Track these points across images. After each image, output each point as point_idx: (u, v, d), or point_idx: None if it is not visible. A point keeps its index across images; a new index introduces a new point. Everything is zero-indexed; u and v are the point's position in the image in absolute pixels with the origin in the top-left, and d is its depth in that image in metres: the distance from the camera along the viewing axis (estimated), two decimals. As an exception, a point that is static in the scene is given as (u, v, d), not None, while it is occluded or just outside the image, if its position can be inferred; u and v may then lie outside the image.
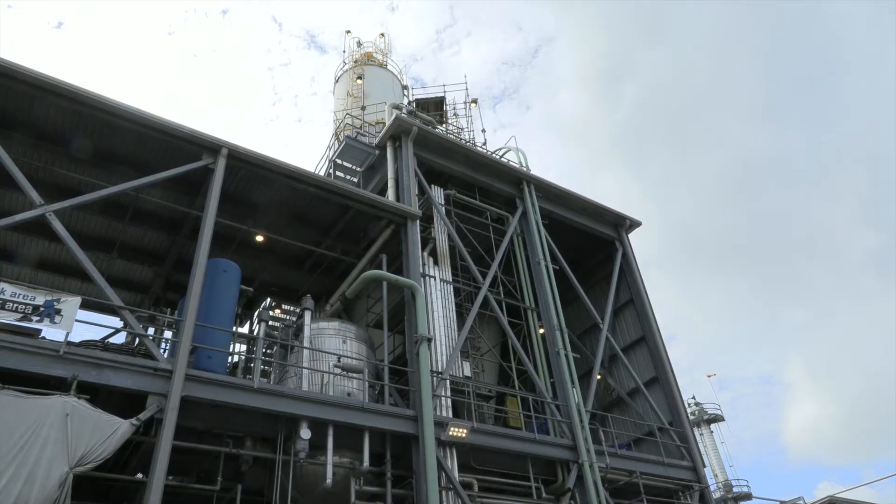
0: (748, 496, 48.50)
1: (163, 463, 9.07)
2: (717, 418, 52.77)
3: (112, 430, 8.79)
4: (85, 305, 10.77)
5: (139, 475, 11.19)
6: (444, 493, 11.55)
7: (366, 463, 11.32)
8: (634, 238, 20.74)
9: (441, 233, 15.60)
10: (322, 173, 18.90)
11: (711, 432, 52.12)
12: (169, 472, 9.42)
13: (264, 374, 14.58)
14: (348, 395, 12.39)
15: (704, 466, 16.70)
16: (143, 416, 9.28)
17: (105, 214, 14.48)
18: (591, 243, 20.41)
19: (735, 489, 48.39)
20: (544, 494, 13.40)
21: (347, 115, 21.40)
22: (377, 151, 17.31)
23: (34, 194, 10.46)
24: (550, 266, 17.06)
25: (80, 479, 8.75)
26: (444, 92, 26.16)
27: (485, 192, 17.76)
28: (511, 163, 18.91)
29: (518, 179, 18.25)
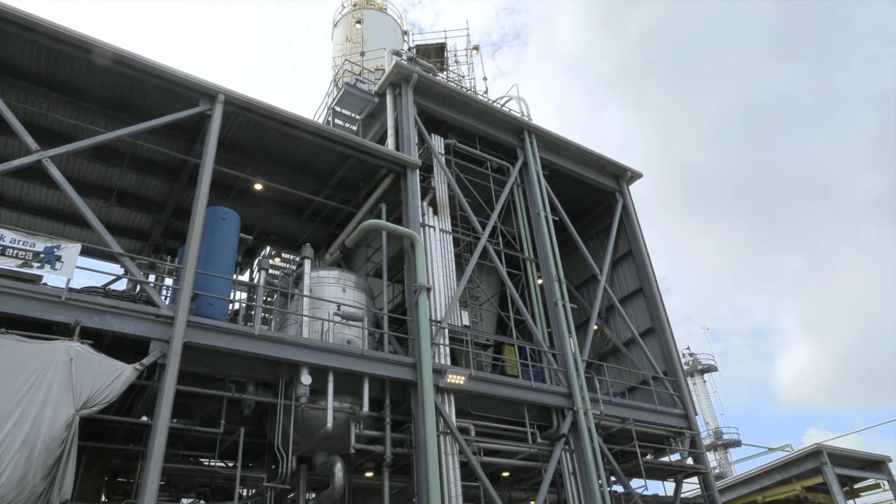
0: (737, 443, 49.93)
1: (167, 406, 9.27)
2: (710, 368, 53.83)
3: (116, 375, 8.95)
4: (85, 252, 10.84)
5: (144, 418, 11.46)
6: (441, 437, 11.86)
7: (365, 408, 11.59)
8: (634, 184, 20.66)
9: (441, 182, 15.52)
10: (321, 121, 18.66)
11: (704, 382, 53.25)
12: (173, 415, 9.63)
13: (265, 321, 14.75)
14: (348, 342, 12.57)
15: (696, 414, 17.10)
16: (147, 361, 9.43)
17: (102, 161, 14.36)
18: (592, 195, 20.33)
19: (725, 436, 49.76)
20: (539, 439, 13.77)
21: (346, 62, 20.99)
22: (377, 99, 17.05)
23: (30, 140, 10.35)
24: (550, 217, 17.04)
25: (87, 421, 8.97)
26: (445, 38, 25.59)
27: (485, 141, 17.57)
28: (512, 112, 18.64)
29: (519, 129, 18.04)
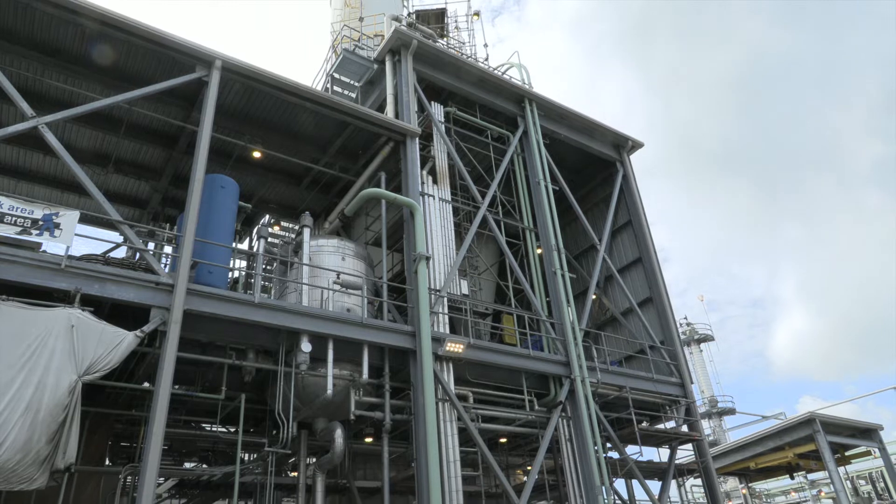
0: (732, 411, 50.64)
1: (168, 373, 9.36)
2: (706, 338, 54.29)
3: (117, 342, 9.02)
4: (84, 220, 10.82)
5: (146, 384, 11.58)
6: (440, 404, 12.01)
7: (365, 375, 11.71)
8: (635, 153, 20.54)
9: (440, 151, 15.42)
10: (319, 88, 18.43)
11: (701, 351, 53.77)
12: (174, 381, 9.74)
13: (264, 289, 14.81)
14: (348, 310, 12.64)
15: (692, 383, 17.29)
16: (147, 328, 9.49)
17: (99, 128, 14.24)
18: (592, 164, 20.23)
19: (720, 405, 50.43)
20: (537, 407, 13.95)
21: (345, 27, 20.66)
22: (376, 66, 16.82)
23: (25, 106, 10.24)
24: (550, 186, 16.98)
25: (89, 387, 9.06)
26: (446, 3, 25.13)
27: (485, 110, 17.41)
28: (513, 79, 18.42)
29: (520, 97, 17.85)
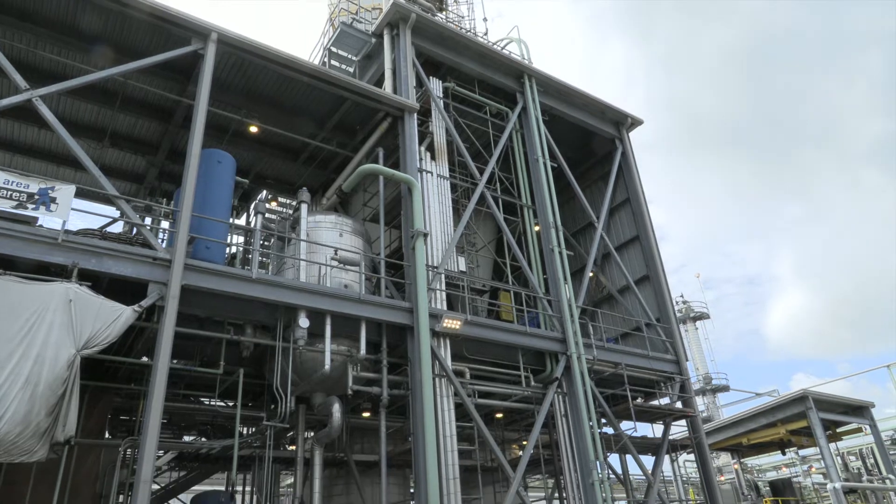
0: (725, 388, 51.16)
1: (166, 348, 9.40)
2: (702, 316, 54.59)
3: (115, 316, 9.04)
4: (80, 194, 10.75)
5: (144, 359, 11.64)
6: (437, 379, 12.11)
7: (362, 351, 11.78)
8: (634, 130, 20.43)
9: (439, 127, 15.31)
10: (317, 62, 18.23)
11: (696, 329, 54.10)
12: (173, 356, 9.78)
13: (262, 265, 14.81)
14: (345, 286, 12.66)
15: (687, 360, 17.44)
16: (145, 303, 9.51)
17: (94, 101, 14.09)
18: (591, 141, 20.13)
19: (714, 381, 50.92)
20: (533, 383, 14.07)
21: None
22: (374, 39, 16.62)
23: (18, 78, 10.12)
24: (548, 163, 16.91)
25: (88, 361, 9.11)
26: (445, -24, 24.72)
27: (484, 85, 17.25)
28: (513, 55, 18.23)
29: (519, 73, 17.68)
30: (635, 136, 20.52)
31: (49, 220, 9.59)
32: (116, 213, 13.63)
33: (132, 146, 15.72)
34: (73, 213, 9.64)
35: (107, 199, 15.48)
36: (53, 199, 9.45)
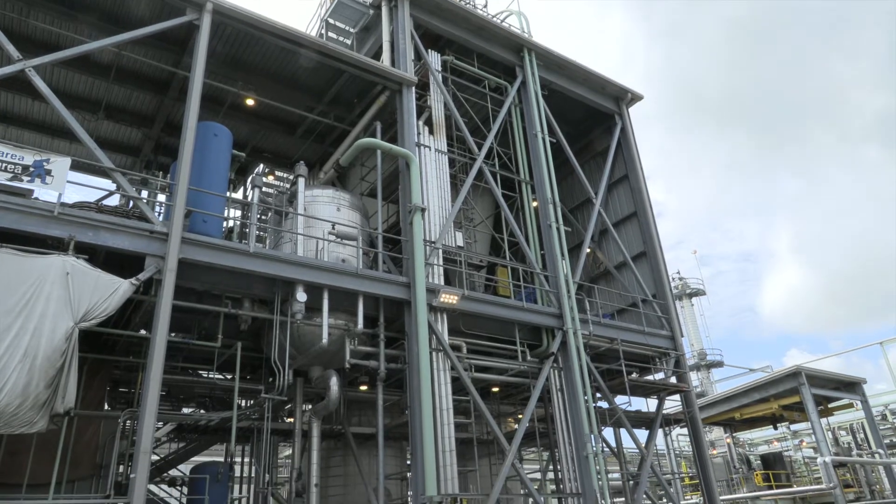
0: (720, 364, 51.64)
1: (164, 321, 9.44)
2: (698, 292, 54.87)
3: (113, 289, 9.05)
4: (75, 167, 10.65)
5: (143, 331, 11.69)
6: (434, 354, 12.19)
7: (360, 325, 11.83)
8: (634, 105, 20.29)
9: (437, 101, 15.18)
10: (314, 34, 17.98)
11: (692, 305, 54.42)
12: (171, 329, 9.82)
13: (259, 239, 14.80)
14: (343, 261, 12.67)
15: (682, 336, 17.57)
16: (143, 276, 9.51)
17: (88, 73, 13.91)
18: (590, 117, 19.99)
19: (709, 357, 51.38)
20: (529, 357, 14.18)
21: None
22: (371, 11, 16.38)
23: (11, 48, 9.98)
24: (547, 139, 16.82)
25: (87, 334, 9.15)
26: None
27: (483, 59, 17.06)
28: (512, 28, 17.99)
29: (519, 46, 17.48)
30: (634, 111, 20.37)
31: (44, 193, 9.54)
32: (112, 187, 13.56)
33: (127, 118, 15.57)
34: (68, 186, 9.60)
35: (102, 172, 15.44)
36: (49, 172, 9.38)
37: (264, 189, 14.63)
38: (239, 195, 18.26)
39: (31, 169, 9.29)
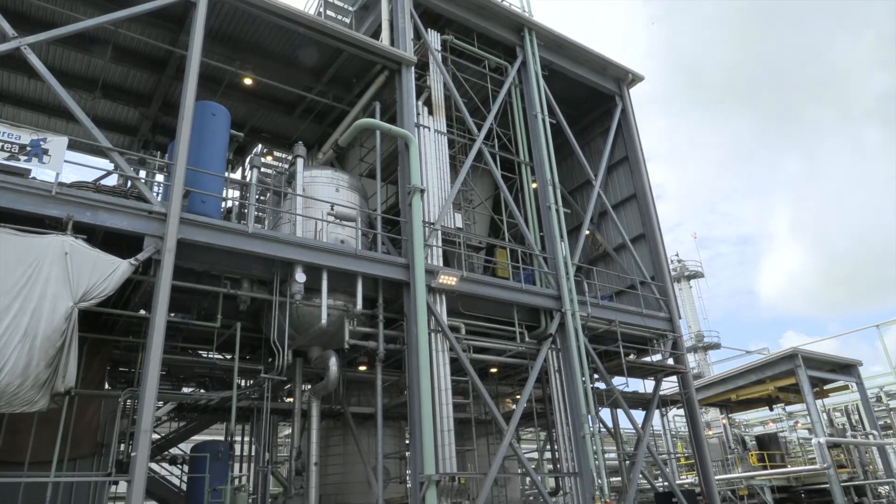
0: (717, 346, 51.92)
1: (163, 301, 9.45)
2: (697, 274, 54.97)
3: (112, 269, 9.05)
4: (72, 147, 10.61)
5: (142, 311, 11.70)
6: (433, 335, 12.24)
7: (359, 306, 11.86)
8: (635, 87, 20.15)
9: (437, 81, 15.06)
10: (312, 12, 17.78)
11: (690, 287, 54.55)
12: (170, 309, 9.84)
13: (258, 220, 14.77)
14: (342, 242, 12.66)
15: (680, 318, 17.63)
16: (141, 256, 9.50)
17: (85, 50, 13.77)
18: (591, 98, 19.85)
19: (706, 339, 51.64)
20: (527, 338, 14.25)
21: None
22: (370, -11, 16.18)
23: (6, 25, 9.86)
24: (547, 120, 16.72)
25: (86, 314, 9.16)
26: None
27: (483, 39, 16.88)
28: (513, 7, 17.79)
29: (519, 25, 17.30)
30: (635, 91, 20.23)
31: (42, 173, 9.49)
32: (110, 166, 13.50)
33: (124, 98, 15.45)
34: (65, 166, 9.55)
35: (100, 152, 15.31)
36: (46, 151, 9.33)
37: (263, 169, 14.58)
38: (237, 175, 18.18)
39: (29, 148, 9.22)
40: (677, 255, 55.85)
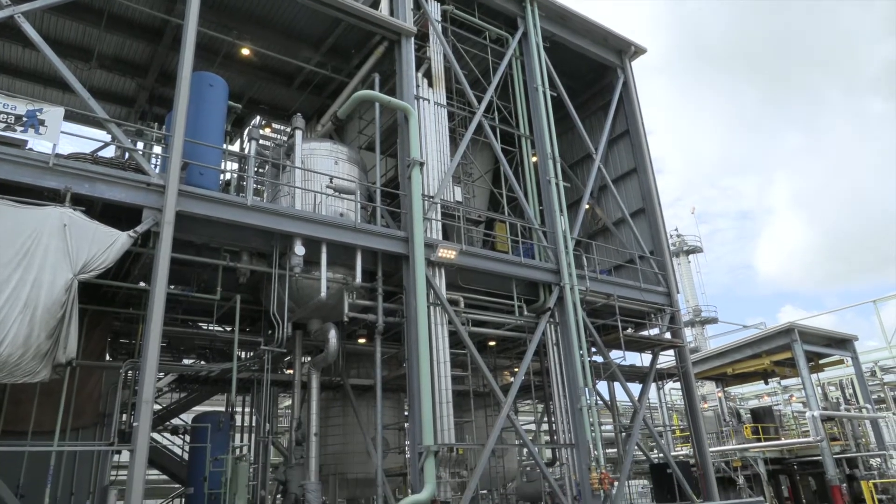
0: (714, 320, 52.19)
1: (163, 273, 9.46)
2: (695, 249, 54.99)
3: (111, 241, 9.04)
4: (68, 117, 10.51)
5: (142, 284, 11.73)
6: (431, 308, 12.29)
7: (358, 279, 11.88)
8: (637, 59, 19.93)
9: (437, 52, 14.86)
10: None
11: (689, 262, 54.60)
12: (170, 281, 9.85)
13: (257, 192, 14.71)
14: (341, 215, 12.63)
15: (678, 293, 17.70)
16: (140, 229, 9.49)
17: (80, 19, 13.55)
18: (592, 70, 19.64)
19: (704, 314, 51.90)
20: (526, 312, 14.31)
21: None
22: (369, -43, 15.87)
23: (-1, -7, 9.69)
24: (548, 92, 16.56)
25: (86, 285, 9.18)
26: None
27: (484, 9, 16.62)
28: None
29: (520, -4, 17.02)
30: (637, 62, 20.00)
31: (38, 144, 9.41)
32: (107, 138, 13.40)
33: (121, 68, 15.27)
34: (62, 138, 9.47)
35: (96, 123, 15.20)
36: (42, 122, 9.24)
37: (261, 142, 14.46)
38: (235, 148, 18.07)
39: (24, 119, 9.14)
40: (676, 229, 55.77)
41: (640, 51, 19.63)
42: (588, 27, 18.39)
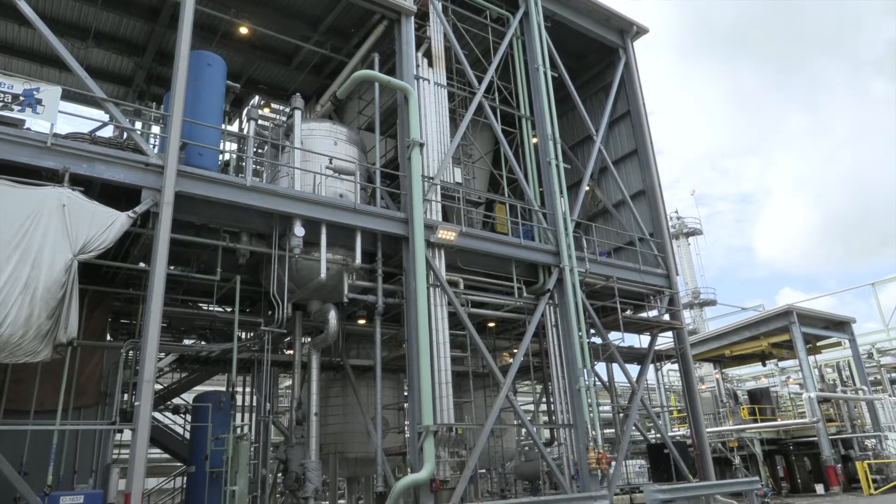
0: (713, 302, 52.35)
1: (162, 254, 9.45)
2: (695, 232, 54.98)
3: (110, 222, 9.02)
4: (66, 97, 10.41)
5: (142, 264, 11.73)
6: (431, 289, 12.31)
7: (358, 260, 11.89)
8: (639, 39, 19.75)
9: (437, 32, 14.72)
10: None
11: (689, 244, 54.63)
12: (169, 262, 9.85)
13: (256, 173, 14.64)
14: (340, 196, 12.60)
15: (677, 275, 17.72)
16: (139, 209, 9.46)
17: (75, -3, 13.42)
18: (594, 51, 19.47)
19: (702, 296, 52.04)
20: (525, 294, 14.34)
21: None
22: (369, -66, 15.64)
23: (-7, -31, 9.57)
24: (549, 73, 16.43)
25: (87, 266, 9.18)
26: None
27: (485, -13, 16.44)
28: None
29: (522, -26, 16.82)
30: (639, 42, 19.82)
31: (35, 124, 9.35)
32: (105, 117, 13.31)
33: (118, 47, 15.13)
34: (60, 117, 9.40)
35: (94, 103, 15.09)
36: (39, 101, 9.16)
37: (260, 122, 14.37)
38: (234, 128, 17.97)
39: (22, 98, 9.06)
40: (676, 212, 55.73)
41: (642, 31, 19.44)
42: (590, 6, 18.19)
